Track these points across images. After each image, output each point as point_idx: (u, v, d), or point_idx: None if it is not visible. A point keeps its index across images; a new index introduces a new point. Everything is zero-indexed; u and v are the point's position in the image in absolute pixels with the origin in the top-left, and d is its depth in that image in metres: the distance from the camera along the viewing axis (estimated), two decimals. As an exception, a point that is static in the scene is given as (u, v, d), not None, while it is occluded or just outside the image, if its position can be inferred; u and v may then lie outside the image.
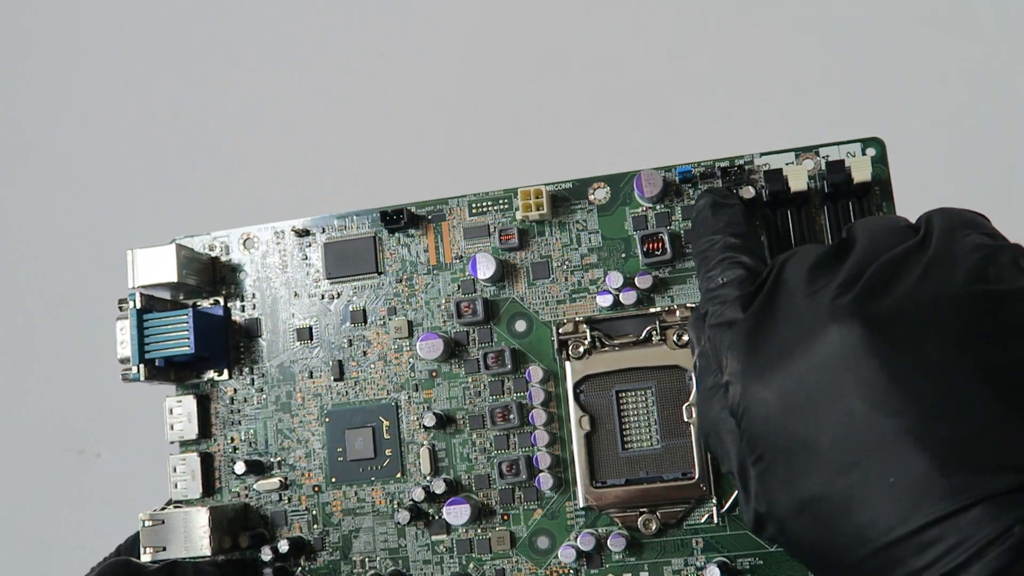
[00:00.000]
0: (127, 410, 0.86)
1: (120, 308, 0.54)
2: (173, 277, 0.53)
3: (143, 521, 0.52)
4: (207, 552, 0.51)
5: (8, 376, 0.95)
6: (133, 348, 0.53)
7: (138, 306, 0.53)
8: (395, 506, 0.53)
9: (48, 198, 0.97)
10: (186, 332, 0.53)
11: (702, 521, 0.50)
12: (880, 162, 0.51)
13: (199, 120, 0.96)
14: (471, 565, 0.52)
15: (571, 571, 0.51)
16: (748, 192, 0.50)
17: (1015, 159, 0.79)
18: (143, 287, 0.54)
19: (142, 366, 0.53)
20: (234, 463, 0.54)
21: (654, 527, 0.50)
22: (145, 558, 0.51)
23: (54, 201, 0.97)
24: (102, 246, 0.93)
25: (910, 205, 0.69)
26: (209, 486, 0.55)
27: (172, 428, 0.55)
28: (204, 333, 0.54)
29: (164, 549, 0.52)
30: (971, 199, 0.79)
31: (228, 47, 0.97)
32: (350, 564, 0.53)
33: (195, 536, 0.52)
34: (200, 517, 0.52)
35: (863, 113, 0.77)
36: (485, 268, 0.52)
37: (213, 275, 0.57)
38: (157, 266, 0.54)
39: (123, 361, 0.53)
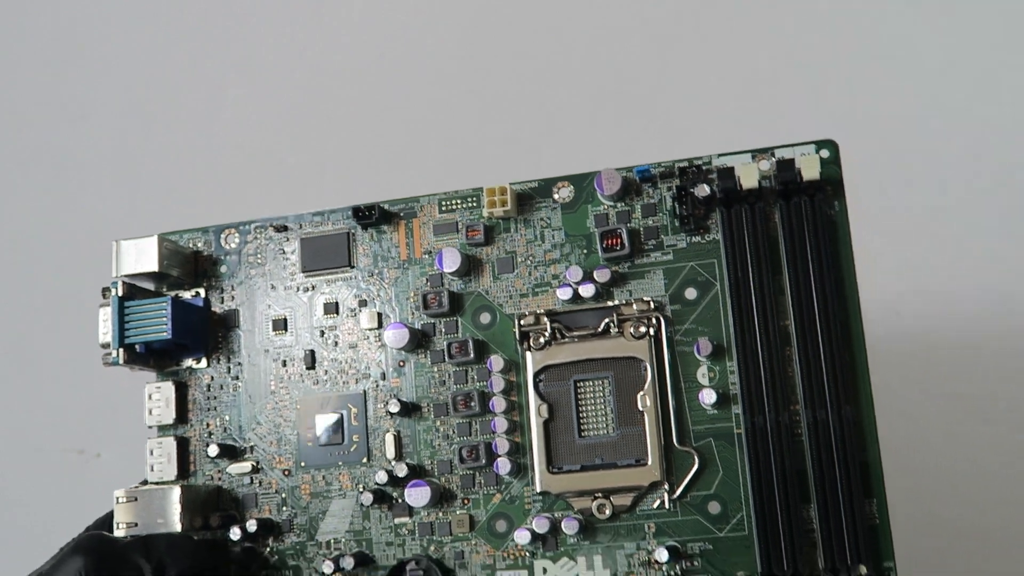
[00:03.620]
0: (127, 411, 0.87)
1: (104, 296, 0.56)
2: (155, 267, 0.56)
3: (117, 498, 0.54)
4: (178, 529, 0.53)
5: (8, 376, 0.97)
6: (113, 333, 0.55)
7: (119, 293, 0.55)
8: (360, 489, 0.55)
9: (51, 199, 1.00)
10: (164, 318, 0.55)
11: (654, 507, 0.52)
12: (833, 163, 0.52)
13: (188, 119, 0.99)
14: (431, 547, 0.54)
15: (527, 553, 0.53)
16: (703, 190, 0.52)
17: (975, 160, 0.80)
18: (126, 276, 0.56)
19: (121, 350, 0.55)
20: (208, 447, 0.56)
21: (608, 512, 0.52)
22: (118, 533, 0.53)
23: (61, 202, 0.99)
24: (104, 245, 0.96)
25: (867, 205, 0.71)
26: (184, 469, 0.57)
27: (151, 413, 0.57)
28: (183, 321, 0.56)
29: (136, 525, 0.54)
30: (930, 201, 0.80)
31: (215, 45, 1.00)
32: (316, 545, 0.55)
33: (167, 513, 0.54)
34: (172, 495, 0.54)
35: (826, 117, 0.79)
36: (451, 262, 0.55)
37: (195, 267, 0.59)
38: (140, 257, 0.56)
39: (104, 346, 0.56)
